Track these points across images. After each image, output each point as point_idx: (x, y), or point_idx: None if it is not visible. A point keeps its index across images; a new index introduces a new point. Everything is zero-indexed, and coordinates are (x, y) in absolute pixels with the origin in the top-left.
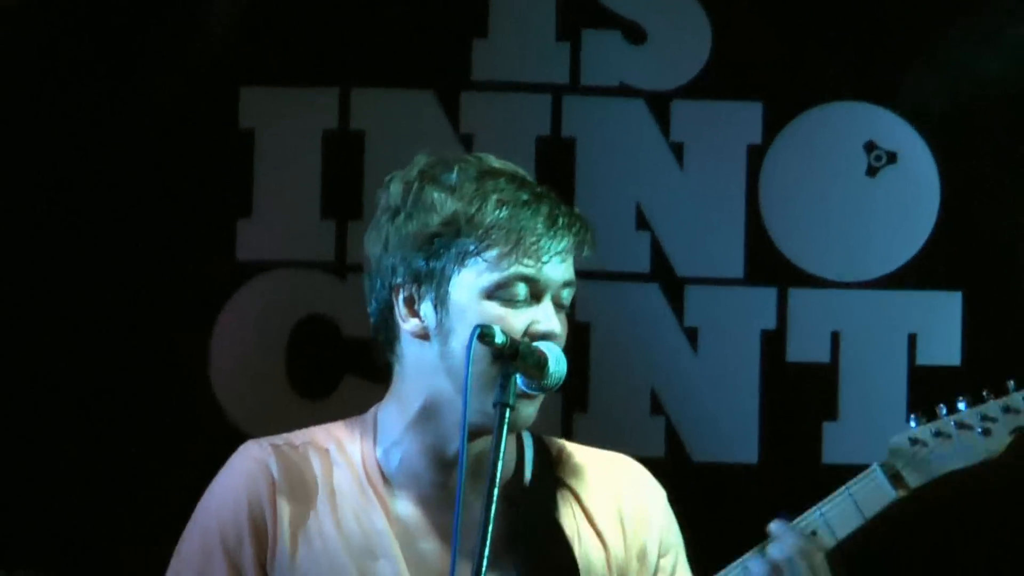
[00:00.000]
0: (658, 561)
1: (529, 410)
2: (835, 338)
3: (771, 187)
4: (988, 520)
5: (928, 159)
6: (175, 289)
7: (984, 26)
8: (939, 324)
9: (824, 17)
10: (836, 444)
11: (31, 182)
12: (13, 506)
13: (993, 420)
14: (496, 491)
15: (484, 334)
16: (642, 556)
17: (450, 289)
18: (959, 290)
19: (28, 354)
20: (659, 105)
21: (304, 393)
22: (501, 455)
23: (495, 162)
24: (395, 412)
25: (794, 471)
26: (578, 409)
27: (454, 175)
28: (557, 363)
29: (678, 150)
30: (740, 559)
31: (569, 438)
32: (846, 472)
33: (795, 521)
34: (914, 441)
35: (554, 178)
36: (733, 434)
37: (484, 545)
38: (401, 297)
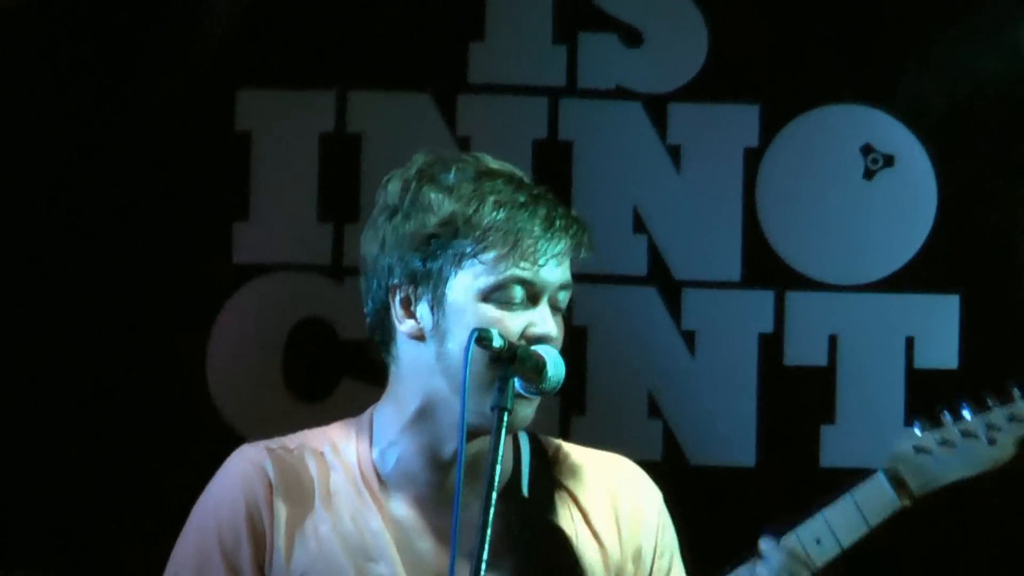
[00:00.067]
0: (653, 563)
1: (527, 411)
2: (833, 341)
3: (768, 190)
4: (991, 527)
5: (925, 162)
6: (172, 292)
7: (981, 28)
8: (937, 327)
9: (821, 19)
10: (834, 447)
11: (29, 183)
12: (12, 507)
13: (998, 429)
14: (495, 495)
15: (482, 338)
16: (637, 557)
17: (447, 290)
18: (957, 293)
19: (27, 356)
20: (656, 108)
21: (301, 396)
22: (499, 458)
23: (493, 162)
24: (391, 413)
25: (792, 474)
26: (576, 412)
27: (452, 175)
28: (555, 367)
29: (675, 153)
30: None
31: (567, 441)
32: (844, 475)
33: (799, 527)
34: (918, 449)
35: (551, 181)
36: (731, 437)
37: (482, 547)
38: (398, 298)
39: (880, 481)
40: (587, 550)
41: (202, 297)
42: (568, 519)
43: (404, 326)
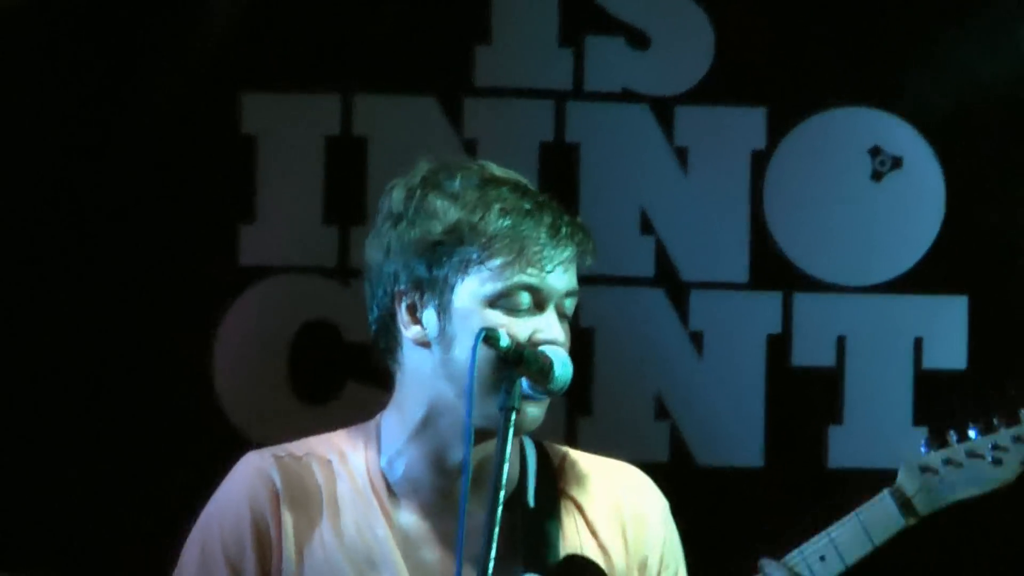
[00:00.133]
0: (659, 574)
1: (535, 412)
2: (840, 342)
3: (775, 192)
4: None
5: (933, 163)
6: (178, 294)
7: (989, 30)
8: (945, 328)
9: (828, 22)
10: (841, 448)
11: (34, 187)
12: (17, 508)
13: (1004, 450)
14: (502, 495)
15: (489, 337)
16: (643, 568)
17: (453, 297)
18: (965, 294)
19: (32, 359)
20: (663, 110)
21: (307, 398)
22: (506, 458)
23: (497, 170)
24: (397, 421)
25: (799, 475)
26: (582, 413)
27: (457, 182)
28: (562, 367)
29: (682, 155)
30: None
31: (573, 442)
32: (851, 476)
33: (804, 545)
34: (924, 468)
35: (558, 184)
36: (738, 438)
37: (489, 550)
38: (403, 304)
39: (886, 501)
40: (592, 560)
41: (208, 299)
42: (573, 529)
43: (410, 332)
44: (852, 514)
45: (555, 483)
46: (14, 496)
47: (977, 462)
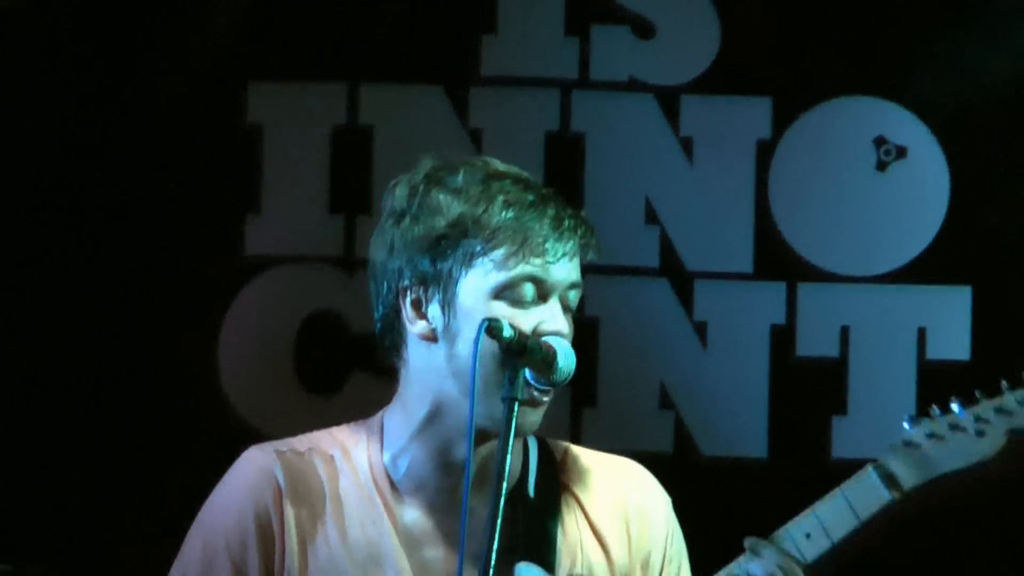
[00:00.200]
0: (662, 570)
1: (533, 417)
2: (844, 333)
3: (780, 182)
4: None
5: (938, 154)
6: (184, 285)
7: (994, 20)
8: (949, 318)
9: (833, 11)
10: (845, 439)
11: (38, 178)
12: (22, 503)
13: (987, 422)
14: (505, 487)
15: (492, 327)
16: (646, 564)
17: (457, 290)
18: (969, 284)
19: (36, 351)
20: (668, 100)
21: (312, 388)
22: (510, 450)
23: (500, 165)
24: (402, 418)
25: (803, 465)
26: (587, 404)
27: (460, 178)
28: (566, 358)
29: (687, 145)
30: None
31: (578, 433)
32: (855, 466)
33: (789, 524)
34: (907, 443)
35: (563, 173)
36: (742, 429)
37: (492, 544)
38: (408, 299)
39: (870, 477)
40: (593, 557)
41: (214, 289)
42: (573, 524)
43: (416, 327)
44: (837, 490)
45: (556, 478)
46: (18, 492)
47: (960, 435)
